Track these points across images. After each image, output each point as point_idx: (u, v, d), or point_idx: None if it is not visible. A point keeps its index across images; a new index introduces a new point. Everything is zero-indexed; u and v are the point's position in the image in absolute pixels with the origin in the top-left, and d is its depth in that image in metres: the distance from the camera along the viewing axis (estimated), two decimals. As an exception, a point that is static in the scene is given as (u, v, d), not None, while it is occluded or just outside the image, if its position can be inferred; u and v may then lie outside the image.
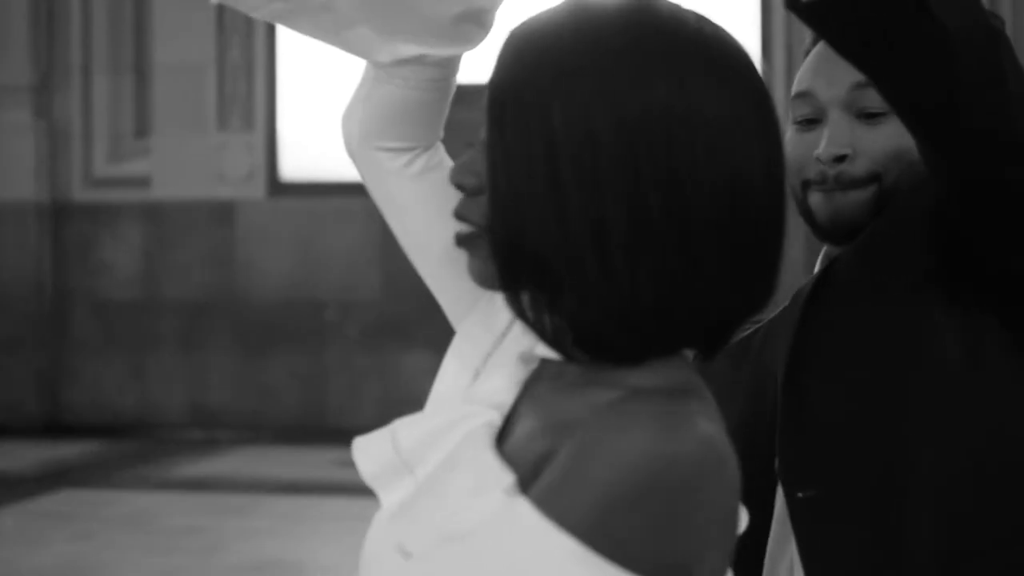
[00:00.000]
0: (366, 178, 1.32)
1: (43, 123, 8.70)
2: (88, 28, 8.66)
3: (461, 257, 1.15)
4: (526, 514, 1.01)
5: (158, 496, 6.71)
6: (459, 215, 1.12)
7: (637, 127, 1.01)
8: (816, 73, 1.59)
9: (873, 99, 1.52)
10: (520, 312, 1.08)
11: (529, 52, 1.06)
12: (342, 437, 6.54)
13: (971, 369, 1.44)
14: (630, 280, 1.03)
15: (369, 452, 1.15)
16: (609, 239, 1.02)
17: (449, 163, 1.29)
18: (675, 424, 1.01)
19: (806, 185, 1.58)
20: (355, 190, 8.92)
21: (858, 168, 1.54)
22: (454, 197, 1.15)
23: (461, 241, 1.11)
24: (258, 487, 6.90)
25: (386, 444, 1.14)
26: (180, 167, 8.46)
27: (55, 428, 8.56)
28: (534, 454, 1.06)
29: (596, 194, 1.02)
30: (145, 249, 8.59)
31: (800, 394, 1.50)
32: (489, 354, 1.23)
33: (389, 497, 1.11)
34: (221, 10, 8.44)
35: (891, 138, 1.54)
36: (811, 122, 1.58)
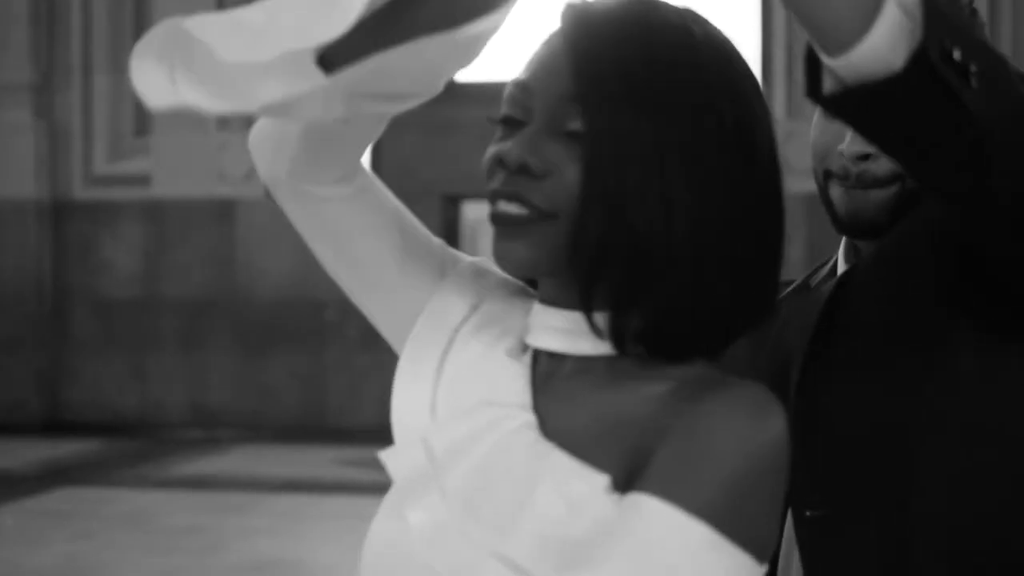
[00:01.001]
0: (296, 212, 1.23)
1: (43, 122, 8.70)
2: (88, 27, 8.66)
3: (421, 267, 1.18)
4: (657, 508, 1.02)
5: (158, 495, 6.71)
6: (513, 196, 1.09)
7: (737, 135, 1.06)
8: None
9: None
10: (586, 302, 1.09)
11: (639, 44, 1.06)
12: (342, 436, 6.59)
13: (985, 383, 1.41)
14: (716, 281, 1.07)
15: (400, 461, 1.14)
16: (704, 240, 1.06)
17: (372, 177, 1.24)
18: (765, 409, 1.06)
19: (828, 175, 1.55)
20: (355, 189, 8.78)
21: (882, 167, 1.49)
22: (391, 212, 1.19)
23: (506, 222, 1.09)
24: (258, 486, 6.90)
25: (419, 453, 1.13)
26: (180, 166, 8.46)
27: (55, 427, 8.56)
28: (613, 449, 1.07)
29: (701, 195, 1.05)
30: (145, 248, 8.59)
31: (811, 410, 1.47)
32: (445, 351, 1.21)
33: (415, 512, 1.09)
34: (221, 8, 8.44)
35: None
36: None
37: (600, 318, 1.12)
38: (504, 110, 1.12)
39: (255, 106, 1.01)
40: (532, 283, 1.21)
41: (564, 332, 1.15)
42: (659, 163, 1.05)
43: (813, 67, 1.14)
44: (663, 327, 1.09)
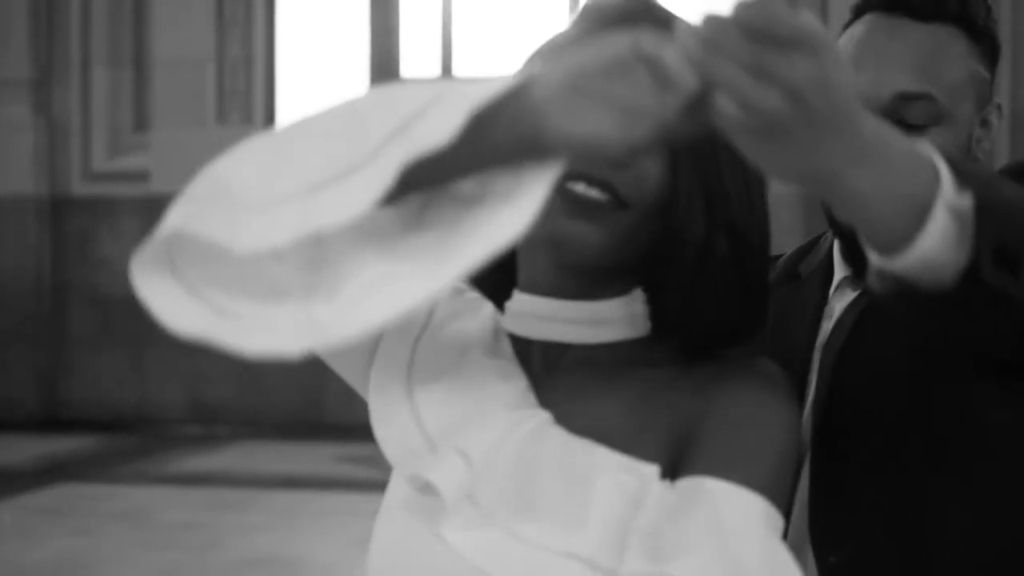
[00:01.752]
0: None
1: (42, 118, 8.69)
2: (87, 22, 8.65)
3: None
4: (724, 489, 1.07)
5: (156, 491, 6.70)
6: (602, 182, 1.10)
7: None
8: (861, 67, 1.49)
9: (916, 113, 1.46)
10: (653, 292, 1.17)
11: None
12: (340, 433, 6.59)
13: (1014, 435, 1.39)
14: (747, 272, 1.16)
15: (391, 432, 1.16)
16: (746, 237, 1.15)
17: None
18: (784, 384, 1.16)
19: None
20: (354, 185, 8.78)
21: None
22: None
23: (585, 205, 1.11)
24: (256, 483, 6.89)
25: (410, 425, 1.15)
26: (179, 161, 8.45)
27: (53, 423, 8.56)
28: (651, 439, 1.12)
29: (757, 198, 1.16)
30: (144, 244, 8.58)
31: (832, 453, 1.44)
32: (409, 365, 1.21)
33: (452, 532, 1.09)
34: (220, 4, 8.43)
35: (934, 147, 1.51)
36: None
37: (628, 304, 1.16)
38: None
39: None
40: (506, 274, 1.21)
41: (573, 322, 1.16)
42: (736, 163, 1.11)
43: (855, 248, 1.19)
44: (701, 315, 1.15)
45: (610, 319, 1.17)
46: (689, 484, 1.08)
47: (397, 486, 1.18)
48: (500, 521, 1.09)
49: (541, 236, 1.09)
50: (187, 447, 7.95)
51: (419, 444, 1.15)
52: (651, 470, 1.10)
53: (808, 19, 0.82)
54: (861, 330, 1.49)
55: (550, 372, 1.18)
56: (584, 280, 1.17)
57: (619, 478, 1.09)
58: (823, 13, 7.40)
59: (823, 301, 1.57)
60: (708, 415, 1.11)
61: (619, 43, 0.89)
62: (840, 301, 1.56)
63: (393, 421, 1.20)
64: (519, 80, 0.91)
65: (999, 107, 1.56)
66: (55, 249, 8.71)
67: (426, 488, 1.10)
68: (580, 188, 1.11)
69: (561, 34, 1.00)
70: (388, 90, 0.97)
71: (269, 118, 8.34)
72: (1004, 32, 7.48)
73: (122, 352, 8.60)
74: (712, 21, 0.82)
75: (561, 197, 1.10)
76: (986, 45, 1.54)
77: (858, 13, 1.54)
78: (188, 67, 8.46)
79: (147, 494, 6.62)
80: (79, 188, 8.68)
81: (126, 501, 6.44)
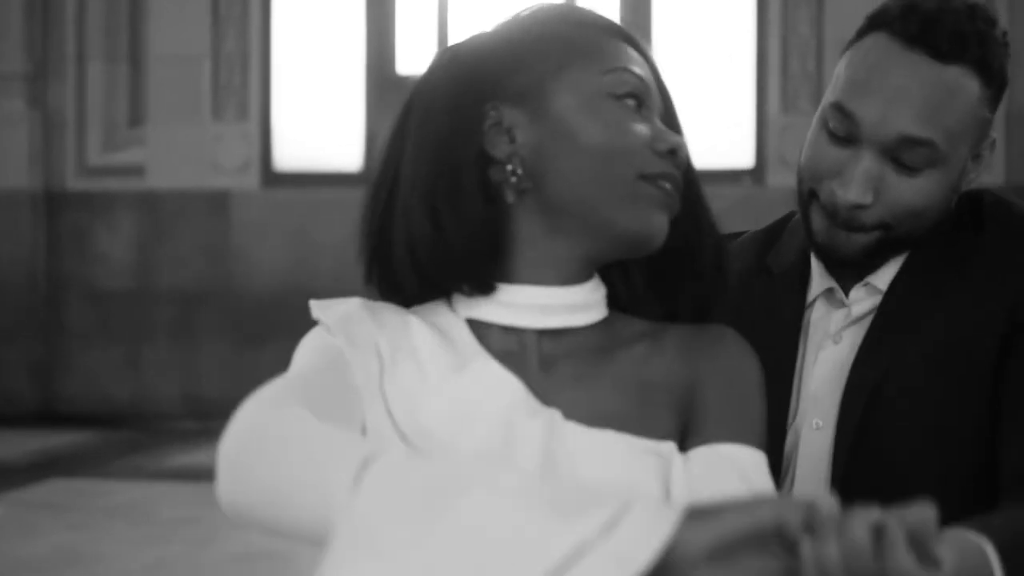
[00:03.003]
0: None
1: (37, 112, 8.68)
2: (83, 17, 8.64)
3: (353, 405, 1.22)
4: (735, 452, 1.20)
5: (152, 486, 6.70)
6: (678, 184, 1.27)
7: None
8: (869, 94, 1.49)
9: (916, 158, 1.47)
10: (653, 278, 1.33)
11: None
12: (336, 428, 6.31)
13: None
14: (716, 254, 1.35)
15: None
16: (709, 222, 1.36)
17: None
18: (746, 343, 1.28)
19: (813, 194, 1.54)
20: (349, 181, 8.84)
21: (871, 216, 1.49)
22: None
23: (668, 205, 1.25)
24: (252, 477, 6.87)
25: (383, 415, 1.20)
26: (175, 157, 8.45)
27: (49, 417, 8.55)
28: (657, 416, 1.22)
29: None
30: (139, 239, 8.58)
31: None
32: (387, 408, 1.23)
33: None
34: (216, 0, 8.42)
35: (918, 194, 1.49)
36: (842, 139, 1.51)
37: (598, 287, 1.28)
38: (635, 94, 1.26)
39: None
40: (488, 272, 1.27)
41: (571, 308, 1.25)
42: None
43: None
44: (668, 290, 1.30)
45: (592, 302, 1.27)
46: (707, 452, 1.20)
47: None
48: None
49: (621, 229, 1.23)
50: (183, 442, 7.95)
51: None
52: (669, 447, 1.20)
53: None
54: (882, 387, 1.50)
55: (547, 362, 1.23)
56: (589, 267, 1.27)
57: (645, 461, 1.18)
58: (819, 12, 7.40)
59: (801, 304, 1.57)
60: (700, 384, 1.23)
61: (763, 514, 0.91)
62: (824, 313, 1.56)
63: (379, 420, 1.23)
64: (667, 540, 0.92)
65: (993, 142, 1.56)
66: (50, 244, 8.70)
67: None
68: (666, 186, 1.24)
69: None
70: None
71: (265, 114, 8.34)
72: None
73: (118, 347, 8.60)
74: (856, 545, 0.88)
75: (657, 194, 1.24)
76: (996, 87, 1.52)
77: (875, 27, 1.51)
78: (184, 62, 8.45)
79: (143, 489, 6.63)
80: (74, 183, 8.67)
81: (122, 496, 6.44)
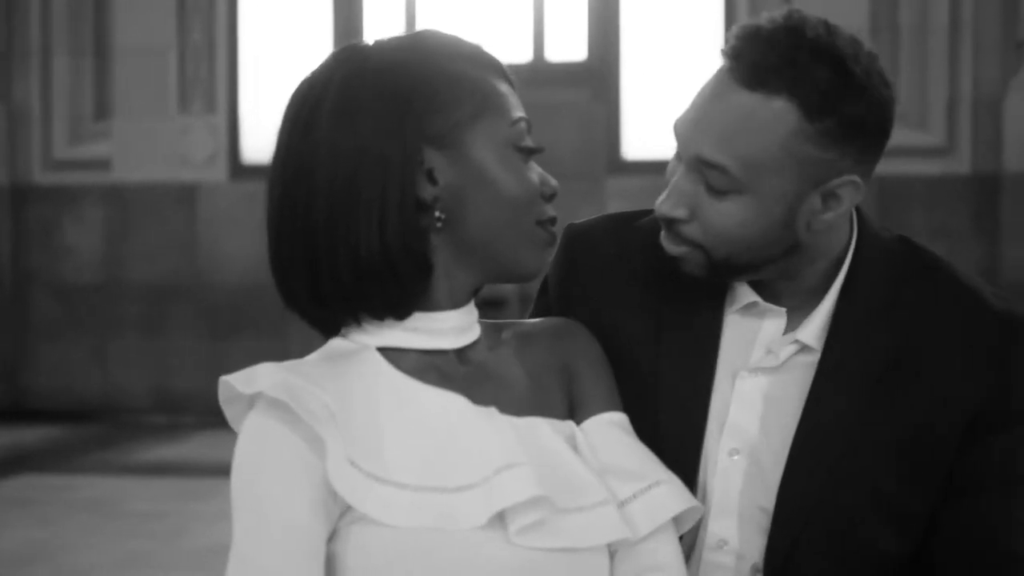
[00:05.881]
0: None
1: (2, 106, 8.62)
2: (47, 9, 8.58)
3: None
4: (617, 418, 1.45)
5: (121, 481, 6.68)
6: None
7: None
8: (684, 114, 1.50)
9: (717, 181, 1.45)
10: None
11: None
12: (306, 421, 6.23)
13: None
14: None
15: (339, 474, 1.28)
16: None
17: None
18: (584, 327, 1.53)
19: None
20: (318, 173, 8.59)
21: (688, 232, 1.48)
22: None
23: (554, 237, 1.45)
24: (222, 471, 6.82)
25: (346, 467, 1.29)
26: (141, 149, 8.41)
27: (17, 413, 8.50)
28: (551, 400, 1.42)
29: None
30: (107, 232, 8.53)
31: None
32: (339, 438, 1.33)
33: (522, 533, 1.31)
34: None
35: (725, 218, 1.47)
36: (678, 152, 1.51)
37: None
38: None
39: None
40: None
41: (474, 323, 1.42)
42: None
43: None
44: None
45: (474, 318, 1.43)
46: (598, 422, 1.43)
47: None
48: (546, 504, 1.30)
49: (521, 266, 1.44)
50: (152, 436, 7.93)
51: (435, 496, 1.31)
52: (570, 424, 1.42)
53: None
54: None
55: (469, 374, 1.39)
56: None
57: (561, 440, 1.39)
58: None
59: (720, 314, 1.56)
60: (572, 368, 1.45)
61: None
62: (743, 330, 1.56)
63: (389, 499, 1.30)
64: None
65: (854, 183, 1.48)
66: (16, 238, 8.65)
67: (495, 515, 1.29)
68: (553, 230, 1.44)
69: None
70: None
71: (232, 106, 8.31)
72: (965, 18, 7.53)
73: (86, 341, 8.56)
74: None
75: (548, 237, 1.43)
76: (828, 124, 1.43)
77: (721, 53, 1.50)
78: (150, 54, 8.41)
79: (112, 484, 6.60)
80: (40, 177, 8.62)
81: (91, 490, 6.41)
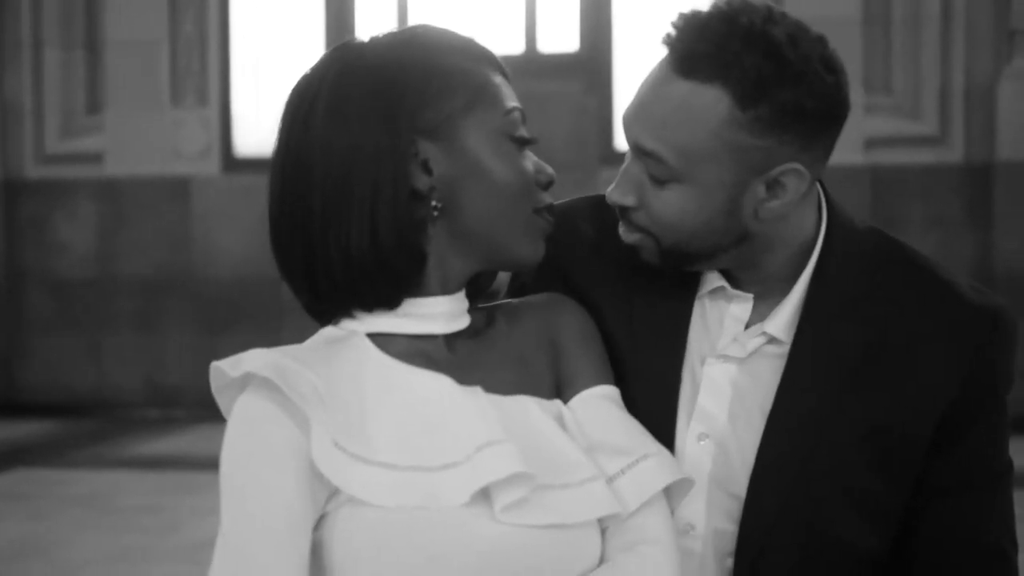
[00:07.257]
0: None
1: (-7, 100, 8.60)
2: (38, 2, 8.56)
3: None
4: (607, 391, 1.45)
5: (115, 475, 6.68)
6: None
7: None
8: (631, 101, 1.50)
9: (655, 169, 1.45)
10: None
11: None
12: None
13: None
14: None
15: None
16: None
17: None
18: (572, 300, 1.54)
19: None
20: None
21: (637, 219, 1.49)
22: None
23: (551, 225, 1.46)
24: (216, 466, 6.82)
25: (329, 445, 1.29)
26: (134, 143, 8.39)
27: (10, 407, 8.50)
28: (539, 379, 1.44)
29: None
30: (100, 227, 8.52)
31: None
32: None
33: (508, 510, 1.30)
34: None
35: (666, 206, 1.46)
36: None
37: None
38: None
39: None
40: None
41: (462, 310, 1.42)
42: None
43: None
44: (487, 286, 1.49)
45: (465, 303, 1.44)
46: (587, 396, 1.44)
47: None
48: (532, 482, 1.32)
49: (516, 254, 1.45)
50: (146, 431, 7.92)
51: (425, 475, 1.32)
52: (557, 403, 1.43)
53: None
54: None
55: (456, 358, 1.40)
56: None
57: (549, 419, 1.39)
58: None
59: (691, 297, 1.56)
60: (559, 343, 1.46)
61: None
62: (715, 315, 1.56)
63: (375, 479, 1.30)
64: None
65: (797, 171, 1.45)
66: (9, 233, 8.64)
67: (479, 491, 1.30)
68: (550, 218, 1.46)
69: None
70: None
71: (224, 99, 8.29)
72: (957, 7, 7.53)
73: (79, 335, 8.55)
74: None
75: (545, 225, 1.44)
76: (760, 111, 1.41)
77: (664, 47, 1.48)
78: (141, 48, 8.39)
79: (105, 478, 6.60)
80: (33, 171, 8.60)
81: (84, 485, 6.41)
